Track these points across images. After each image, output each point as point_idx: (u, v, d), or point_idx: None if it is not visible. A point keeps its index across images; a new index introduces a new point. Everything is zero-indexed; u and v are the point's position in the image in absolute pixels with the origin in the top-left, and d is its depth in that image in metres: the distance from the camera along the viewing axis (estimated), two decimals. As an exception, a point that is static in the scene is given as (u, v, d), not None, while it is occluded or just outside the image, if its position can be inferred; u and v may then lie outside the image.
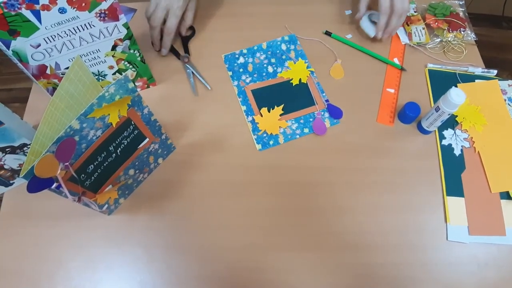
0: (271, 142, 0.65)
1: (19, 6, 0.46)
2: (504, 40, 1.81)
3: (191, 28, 0.76)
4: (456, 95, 0.57)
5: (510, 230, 0.59)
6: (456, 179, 0.63)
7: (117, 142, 0.50)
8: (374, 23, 0.76)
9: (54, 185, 0.42)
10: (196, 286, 0.55)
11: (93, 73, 0.61)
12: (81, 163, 0.46)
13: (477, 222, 0.60)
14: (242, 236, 0.58)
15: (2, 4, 0.44)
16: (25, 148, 0.55)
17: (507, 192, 0.62)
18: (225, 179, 0.62)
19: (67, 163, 0.43)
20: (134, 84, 0.45)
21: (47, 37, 0.51)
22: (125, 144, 0.51)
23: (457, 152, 0.65)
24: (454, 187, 0.62)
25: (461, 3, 0.82)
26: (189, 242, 0.57)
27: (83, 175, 0.47)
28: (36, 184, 0.40)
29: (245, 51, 0.74)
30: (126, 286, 0.54)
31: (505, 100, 0.71)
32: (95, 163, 0.48)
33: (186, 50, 0.73)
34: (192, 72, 0.71)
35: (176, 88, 0.70)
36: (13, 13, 0.46)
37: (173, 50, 0.73)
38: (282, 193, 0.61)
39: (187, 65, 0.71)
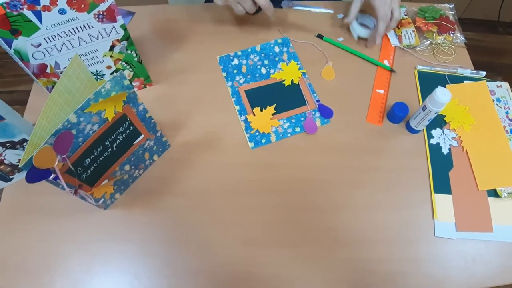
0: (263, 141, 0.67)
1: (21, 6, 0.48)
2: (500, 45, 1.84)
3: None
4: (442, 94, 0.59)
5: (497, 227, 0.61)
6: (444, 177, 0.64)
7: (113, 137, 0.52)
8: (363, 26, 0.78)
9: (52, 176, 0.44)
10: (190, 280, 0.56)
11: (91, 72, 0.63)
12: (78, 156, 0.48)
13: (464, 218, 0.61)
14: (235, 232, 0.59)
15: (4, 5, 0.47)
16: (25, 144, 0.57)
17: (495, 190, 0.64)
18: (219, 177, 0.64)
19: (64, 156, 0.45)
20: (131, 84, 0.47)
21: (48, 37, 0.53)
22: (121, 139, 0.53)
23: (445, 151, 0.67)
24: (441, 185, 0.64)
25: (450, 6, 0.84)
26: (183, 237, 0.59)
27: (79, 168, 0.49)
28: (35, 174, 0.41)
29: (239, 53, 0.76)
30: (122, 279, 0.56)
31: (493, 101, 0.72)
32: (91, 157, 0.50)
33: None
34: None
35: (172, 89, 0.72)
36: (15, 13, 0.48)
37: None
38: (274, 190, 0.62)
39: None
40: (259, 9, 0.71)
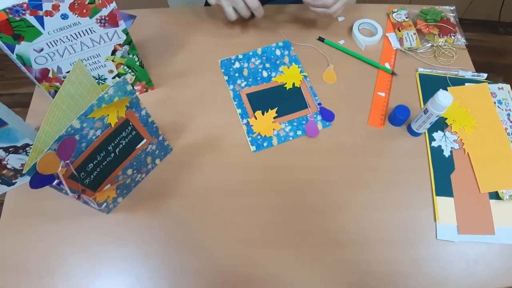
0: (265, 144, 0.67)
1: (23, 12, 0.48)
2: (501, 45, 1.84)
3: None
4: (444, 97, 0.59)
5: (499, 229, 0.61)
6: (446, 179, 0.65)
7: (115, 142, 0.52)
8: (365, 33, 0.79)
9: (55, 182, 0.44)
10: (192, 282, 0.56)
11: (93, 77, 0.63)
12: (81, 161, 0.48)
13: (466, 221, 0.61)
14: (237, 234, 0.59)
15: (7, 10, 0.47)
16: (27, 148, 0.57)
17: (496, 192, 0.64)
18: (221, 180, 0.64)
19: (67, 161, 0.45)
20: (133, 88, 0.48)
21: (50, 42, 0.54)
22: (123, 144, 0.54)
23: (446, 153, 0.67)
24: (443, 187, 0.64)
25: (451, 8, 0.84)
26: (184, 239, 0.59)
27: (83, 173, 0.49)
28: (38, 180, 0.42)
29: (240, 56, 0.76)
30: (124, 281, 0.56)
31: (494, 103, 0.72)
32: (94, 162, 0.50)
33: None
34: None
35: (174, 92, 0.72)
36: (17, 18, 0.48)
37: None
38: (276, 193, 0.63)
39: None
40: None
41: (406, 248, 0.59)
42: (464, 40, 0.80)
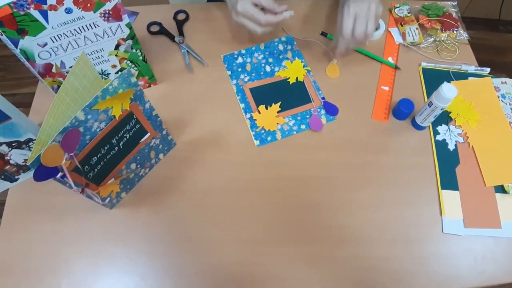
0: (269, 138, 0.66)
1: (27, 6, 0.48)
2: (501, 43, 1.84)
3: (185, 12, 0.81)
4: (448, 90, 0.59)
5: (506, 223, 0.60)
6: (451, 173, 0.64)
7: (119, 135, 0.52)
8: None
9: (59, 174, 0.43)
10: (197, 280, 0.56)
11: (96, 72, 0.63)
12: (85, 154, 0.47)
13: (472, 215, 0.61)
14: (241, 230, 0.59)
15: (11, 4, 0.47)
16: (30, 143, 0.57)
17: (502, 186, 0.63)
18: (224, 175, 0.63)
19: (72, 154, 0.44)
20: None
21: (54, 36, 0.53)
22: (127, 137, 0.53)
23: (451, 147, 0.67)
24: (448, 181, 0.63)
25: (453, 3, 0.84)
26: (189, 237, 0.58)
27: (86, 167, 0.49)
28: (42, 172, 0.41)
29: (243, 51, 0.76)
30: (128, 280, 0.55)
31: (498, 97, 0.72)
32: (98, 155, 0.50)
33: (181, 33, 0.79)
34: (187, 51, 0.76)
35: (177, 87, 0.72)
36: (21, 13, 0.48)
37: (167, 34, 0.78)
38: (280, 188, 0.62)
39: (182, 45, 0.76)
40: None
41: (412, 244, 0.58)
42: (466, 35, 0.80)
